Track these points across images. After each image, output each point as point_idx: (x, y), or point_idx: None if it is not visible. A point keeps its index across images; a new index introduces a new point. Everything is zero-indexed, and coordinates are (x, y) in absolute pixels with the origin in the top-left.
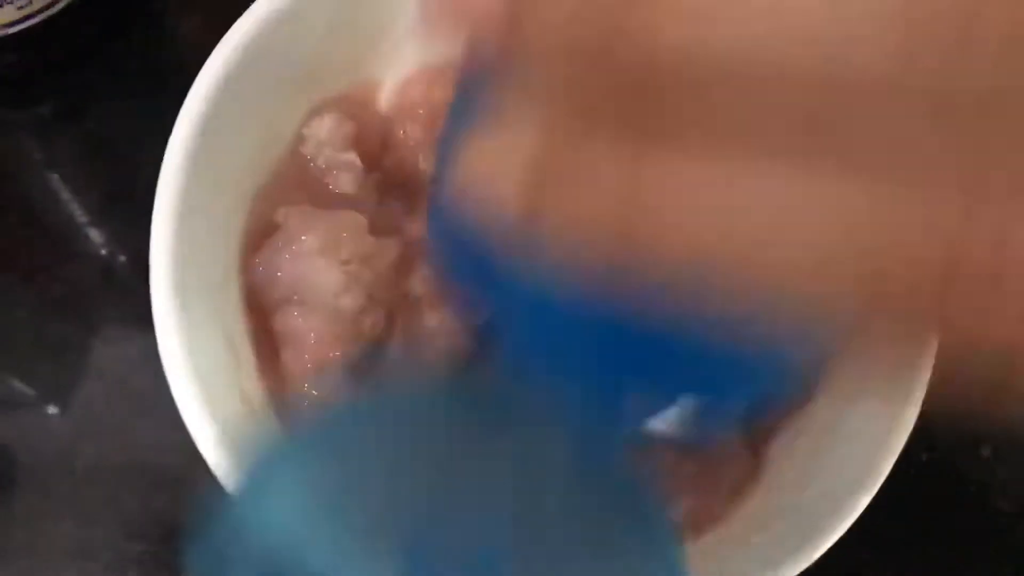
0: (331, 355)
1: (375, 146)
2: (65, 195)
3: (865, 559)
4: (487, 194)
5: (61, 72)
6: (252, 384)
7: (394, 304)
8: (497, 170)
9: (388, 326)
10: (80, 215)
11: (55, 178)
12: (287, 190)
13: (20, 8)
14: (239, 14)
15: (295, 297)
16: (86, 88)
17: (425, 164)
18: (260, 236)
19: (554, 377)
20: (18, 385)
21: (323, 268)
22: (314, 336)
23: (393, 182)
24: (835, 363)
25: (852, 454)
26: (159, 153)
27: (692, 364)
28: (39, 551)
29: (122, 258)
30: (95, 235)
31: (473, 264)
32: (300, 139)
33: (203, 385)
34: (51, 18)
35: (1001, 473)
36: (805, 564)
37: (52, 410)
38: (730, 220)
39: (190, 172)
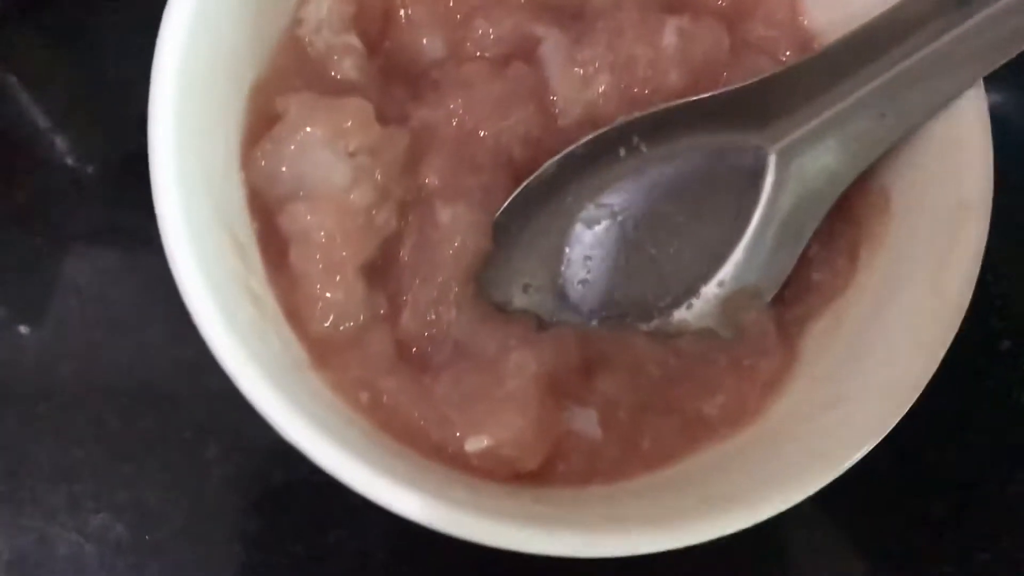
0: (343, 254)
1: (376, 28)
2: (24, 97)
3: (880, 459)
4: None
5: None
6: (262, 287)
7: (406, 198)
8: None
9: (400, 222)
10: (43, 120)
11: (12, 80)
12: (286, 78)
13: None
14: None
15: (301, 193)
16: None
17: (429, 46)
18: (259, 128)
19: None
20: None
21: (330, 161)
22: (324, 234)
23: (395, 66)
24: (869, 253)
25: (895, 347)
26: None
27: None
28: (21, 475)
29: (90, 167)
30: (60, 141)
31: None
32: (297, 22)
33: (215, 290)
34: None
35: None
36: (849, 461)
37: (24, 329)
38: None
39: (185, 62)
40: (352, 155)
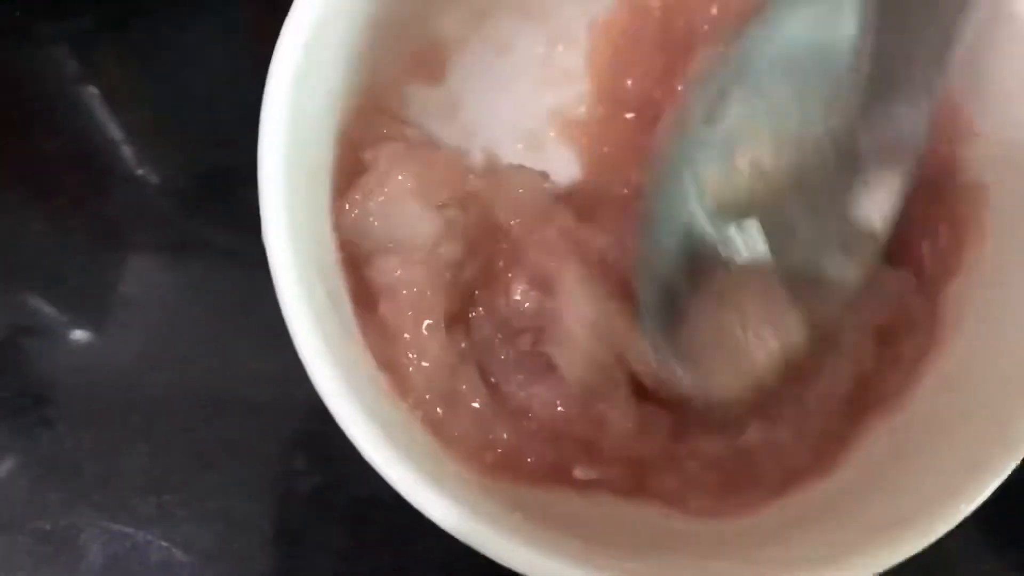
0: (433, 308)
1: None
2: (103, 111)
3: None
4: None
5: None
6: (355, 341)
7: (490, 249)
8: None
9: (485, 276)
10: (118, 132)
11: (94, 92)
12: (379, 120)
13: None
14: None
15: (390, 245)
16: None
17: None
18: (348, 177)
19: None
20: (55, 316)
21: (419, 214)
22: (416, 289)
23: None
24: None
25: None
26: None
27: None
28: (113, 484)
29: (168, 181)
30: (135, 153)
31: None
32: None
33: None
34: None
35: None
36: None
37: (111, 343)
38: None
39: (296, 97)
40: (441, 207)
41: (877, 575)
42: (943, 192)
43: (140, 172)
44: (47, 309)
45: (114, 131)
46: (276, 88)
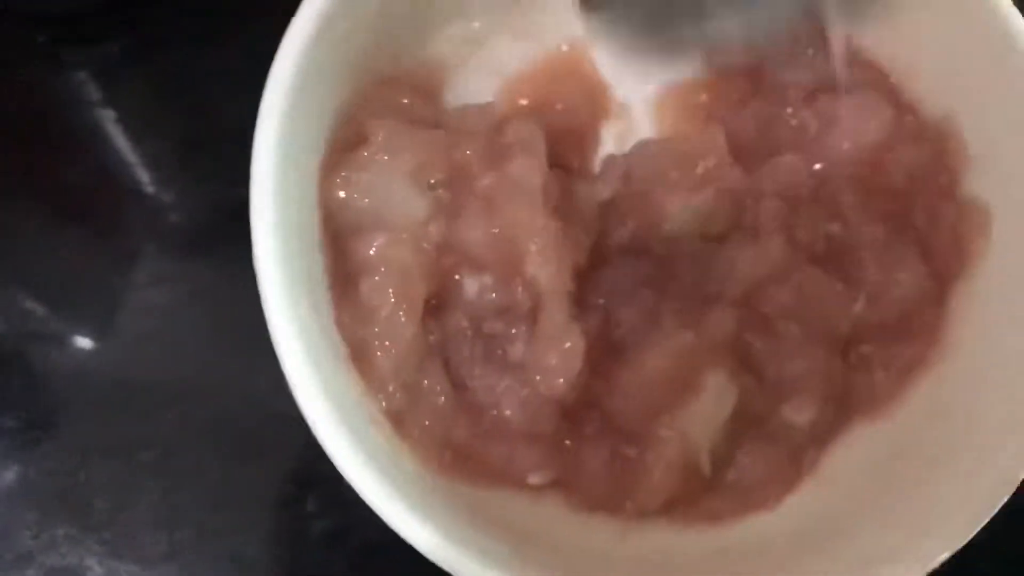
0: (414, 289)
1: None
2: (119, 135)
3: None
4: None
5: (129, 9)
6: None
7: None
8: None
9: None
10: (141, 163)
11: (111, 115)
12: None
13: None
14: None
15: (378, 222)
16: (156, 27)
17: None
18: (340, 150)
19: None
20: (70, 343)
21: (411, 192)
22: (400, 267)
23: None
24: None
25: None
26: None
27: None
28: (121, 523)
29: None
30: (150, 182)
31: None
32: None
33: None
34: None
35: None
36: None
37: (125, 375)
38: None
39: (300, 79)
40: (432, 188)
41: None
42: (947, 210)
43: (162, 199)
44: (59, 334)
45: (135, 158)
46: (280, 69)
